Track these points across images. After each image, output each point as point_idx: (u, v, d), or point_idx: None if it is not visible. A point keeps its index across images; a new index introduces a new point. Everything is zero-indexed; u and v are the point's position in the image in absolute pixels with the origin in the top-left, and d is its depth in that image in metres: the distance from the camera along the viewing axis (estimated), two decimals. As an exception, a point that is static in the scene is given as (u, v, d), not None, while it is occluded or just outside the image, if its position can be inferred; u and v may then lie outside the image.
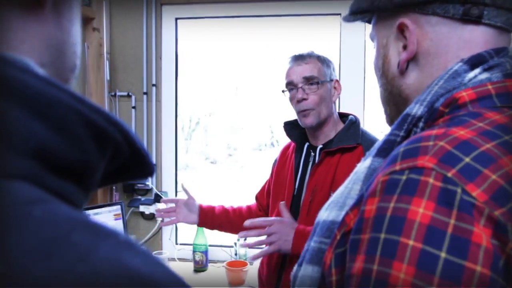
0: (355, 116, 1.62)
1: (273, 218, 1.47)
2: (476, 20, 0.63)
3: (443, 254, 0.46)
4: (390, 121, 0.77)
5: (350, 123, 1.58)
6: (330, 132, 1.59)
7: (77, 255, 0.25)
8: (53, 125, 0.30)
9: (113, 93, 2.38)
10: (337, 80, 1.61)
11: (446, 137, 0.53)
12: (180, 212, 1.77)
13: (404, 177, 0.51)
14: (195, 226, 2.18)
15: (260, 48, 2.73)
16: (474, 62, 0.62)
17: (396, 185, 0.51)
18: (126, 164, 0.38)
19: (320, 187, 1.50)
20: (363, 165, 0.67)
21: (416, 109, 0.63)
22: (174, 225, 2.45)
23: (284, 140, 1.77)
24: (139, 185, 2.37)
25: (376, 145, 0.67)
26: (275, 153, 1.81)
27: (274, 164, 1.75)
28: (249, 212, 1.79)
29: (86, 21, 2.28)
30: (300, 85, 1.55)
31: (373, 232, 0.51)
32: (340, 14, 2.22)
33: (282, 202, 1.50)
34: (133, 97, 2.37)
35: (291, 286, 0.71)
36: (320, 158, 1.52)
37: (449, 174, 0.49)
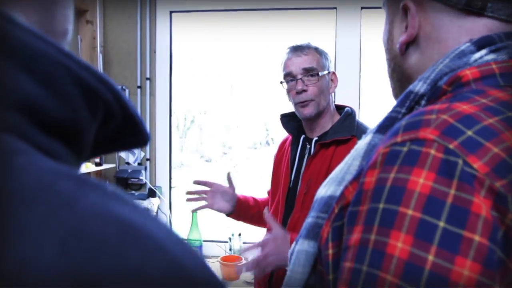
0: (351, 108, 1.62)
1: (266, 237, 1.42)
2: (478, 12, 0.62)
3: (441, 224, 0.46)
4: (395, 96, 0.78)
5: (346, 115, 1.57)
6: (326, 124, 1.58)
7: (62, 201, 0.24)
8: (40, 80, 0.29)
9: (106, 87, 2.36)
10: (334, 72, 1.61)
11: (449, 111, 0.53)
12: (215, 198, 1.68)
13: (405, 149, 0.51)
14: (189, 221, 2.17)
15: (255, 44, 2.72)
16: (482, 43, 0.61)
17: (397, 157, 0.51)
18: (120, 132, 0.36)
19: (315, 179, 1.49)
20: (363, 142, 0.67)
21: (419, 86, 0.63)
22: (169, 220, 2.43)
23: (279, 138, 1.77)
24: (133, 179, 2.35)
25: (378, 122, 0.67)
26: (270, 152, 1.80)
27: (274, 157, 1.74)
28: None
29: (80, 14, 2.26)
30: (299, 76, 1.53)
31: (372, 203, 0.51)
32: (335, 8, 2.21)
33: (265, 211, 1.45)
34: (127, 91, 2.35)
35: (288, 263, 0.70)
36: (315, 150, 1.52)
37: (451, 146, 0.49)
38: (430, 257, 0.45)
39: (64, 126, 0.30)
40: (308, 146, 1.59)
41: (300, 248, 0.67)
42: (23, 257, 0.21)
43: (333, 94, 1.64)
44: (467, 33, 0.63)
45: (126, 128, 0.37)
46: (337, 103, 1.65)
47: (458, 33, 0.64)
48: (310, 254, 0.65)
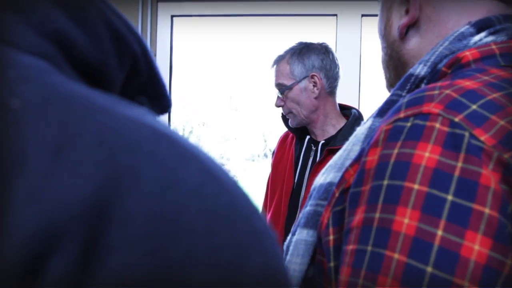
0: (358, 111, 1.58)
1: None
2: None
3: (450, 197, 0.44)
4: (389, 86, 0.77)
5: (354, 119, 1.53)
6: (327, 127, 1.55)
7: (98, 108, 0.24)
8: (73, 17, 0.29)
9: (105, 89, 2.36)
10: (313, 75, 1.52)
11: (452, 87, 0.52)
12: None
13: (409, 124, 0.49)
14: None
15: (255, 51, 2.73)
16: (481, 25, 0.61)
17: (400, 132, 0.49)
18: (144, 93, 0.36)
19: None
20: (363, 127, 0.66)
21: (419, 69, 0.62)
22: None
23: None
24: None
25: (378, 107, 0.66)
26: (268, 164, 1.77)
27: (272, 155, 1.71)
28: None
29: (81, 16, 2.26)
30: (277, 91, 1.56)
31: (375, 181, 0.49)
32: (336, 15, 2.22)
33: None
34: (126, 94, 2.35)
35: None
36: (322, 155, 1.49)
37: (456, 119, 0.48)
38: (439, 232, 0.44)
39: (93, 67, 0.30)
40: (313, 148, 1.55)
41: (299, 238, 0.64)
42: (59, 142, 0.21)
43: (334, 94, 1.59)
44: (468, 15, 0.63)
45: (151, 90, 0.36)
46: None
47: (459, 15, 0.64)
48: (310, 244, 0.62)
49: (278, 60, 1.55)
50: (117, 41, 0.31)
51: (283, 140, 1.67)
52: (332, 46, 2.28)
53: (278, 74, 1.53)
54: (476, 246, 0.43)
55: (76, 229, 0.19)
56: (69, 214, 0.19)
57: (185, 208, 0.21)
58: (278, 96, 1.54)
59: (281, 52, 1.56)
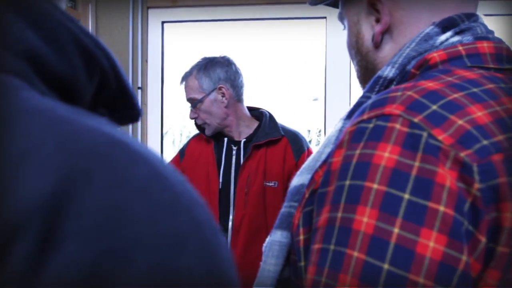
0: (266, 110, 1.72)
1: None
2: None
3: (406, 196, 0.46)
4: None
5: (268, 116, 1.68)
6: (242, 128, 1.68)
7: (60, 120, 0.27)
8: (44, 36, 0.31)
9: (98, 96, 2.36)
10: (221, 86, 1.64)
11: (415, 88, 0.53)
12: None
13: (371, 125, 0.51)
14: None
15: (246, 55, 2.74)
16: (445, 25, 0.62)
17: (363, 133, 0.51)
18: (114, 105, 0.39)
19: (254, 179, 1.59)
20: (334, 129, 0.66)
21: (387, 71, 0.63)
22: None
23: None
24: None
25: (349, 109, 0.67)
26: None
27: (181, 156, 1.76)
28: None
29: (72, 23, 2.27)
30: (190, 105, 1.67)
31: (338, 181, 0.50)
32: (325, 17, 2.23)
33: None
34: (118, 100, 2.35)
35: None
36: (248, 151, 1.61)
37: (416, 120, 0.49)
38: (396, 230, 0.45)
39: (64, 81, 0.33)
40: (234, 148, 1.66)
41: (273, 239, 0.65)
42: (25, 150, 0.24)
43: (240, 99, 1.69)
44: (437, 10, 0.64)
45: (120, 101, 0.39)
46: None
47: (430, 12, 0.64)
48: (284, 245, 0.63)
49: (186, 77, 1.67)
50: (86, 57, 0.34)
51: (196, 142, 1.76)
52: (322, 48, 2.30)
53: (188, 89, 1.66)
54: (431, 243, 0.44)
55: (35, 221, 0.23)
56: (29, 208, 0.23)
57: (131, 203, 0.24)
58: (191, 109, 1.67)
59: (188, 69, 1.69)
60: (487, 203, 0.46)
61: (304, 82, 2.97)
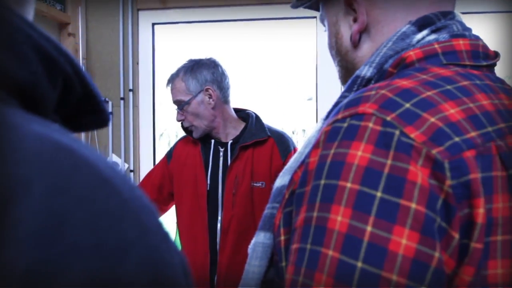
0: (252, 111, 1.73)
1: None
2: None
3: (379, 194, 0.46)
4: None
5: (254, 117, 1.68)
6: (229, 130, 1.68)
7: (6, 126, 0.26)
8: (1, 42, 0.31)
9: (89, 99, 2.36)
10: (207, 88, 1.63)
11: (389, 87, 0.53)
12: None
13: (345, 124, 0.51)
14: (174, 230, 2.15)
15: (237, 55, 2.73)
16: (421, 23, 0.62)
17: (337, 133, 0.51)
18: (81, 110, 0.38)
19: (241, 180, 1.59)
20: (314, 129, 0.67)
21: (365, 70, 0.63)
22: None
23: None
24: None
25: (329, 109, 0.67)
26: None
27: (168, 159, 1.76)
28: None
29: (61, 26, 2.27)
30: (176, 108, 1.66)
31: (314, 181, 0.50)
32: (315, 17, 2.23)
33: None
34: (110, 103, 2.35)
35: None
36: (236, 152, 1.60)
37: (388, 118, 0.49)
38: (369, 228, 0.45)
39: (24, 88, 0.32)
40: (221, 149, 1.66)
41: (257, 240, 0.65)
42: None
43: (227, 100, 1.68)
44: (413, 8, 0.64)
45: (87, 106, 0.38)
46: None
47: (406, 10, 0.64)
48: (267, 246, 0.64)
49: (173, 79, 1.67)
50: (47, 63, 0.33)
51: (184, 144, 1.75)
52: (313, 47, 2.30)
53: (175, 91, 1.65)
54: (403, 240, 0.44)
55: None
56: None
57: (72, 210, 0.24)
58: (178, 111, 1.66)
59: (174, 71, 1.68)
60: (459, 199, 0.47)
61: (298, 82, 2.97)
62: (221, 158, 1.65)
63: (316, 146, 0.53)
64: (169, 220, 2.16)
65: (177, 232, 2.15)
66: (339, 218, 0.46)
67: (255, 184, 1.59)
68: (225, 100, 1.68)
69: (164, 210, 1.83)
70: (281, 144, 1.63)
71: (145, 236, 0.26)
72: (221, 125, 1.66)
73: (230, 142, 1.66)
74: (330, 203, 0.47)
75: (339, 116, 0.52)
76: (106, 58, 2.36)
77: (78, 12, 2.28)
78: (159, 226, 0.27)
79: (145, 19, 2.37)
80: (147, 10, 2.36)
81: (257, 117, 1.70)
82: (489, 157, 0.49)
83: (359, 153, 0.48)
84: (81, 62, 2.30)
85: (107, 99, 2.35)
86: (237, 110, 1.75)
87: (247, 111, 1.74)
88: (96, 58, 2.37)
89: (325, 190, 0.48)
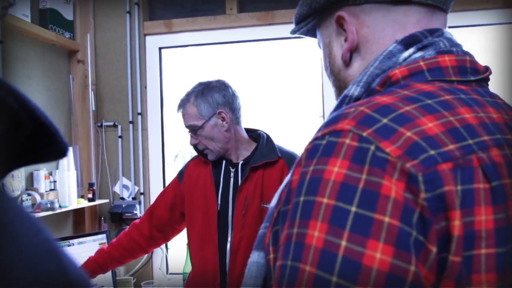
0: (263, 132, 1.72)
1: None
2: (406, 1, 0.64)
3: (353, 208, 0.46)
4: None
5: (265, 138, 1.67)
6: (241, 151, 1.67)
7: None
8: None
9: (99, 124, 2.40)
10: (220, 111, 1.62)
11: (368, 103, 0.54)
12: None
13: (324, 142, 0.52)
14: (185, 254, 2.15)
15: (245, 73, 2.76)
16: (407, 42, 0.63)
17: (317, 150, 0.52)
18: (36, 143, 0.36)
19: (251, 201, 1.57)
20: (305, 148, 0.67)
21: (353, 90, 0.64)
22: (165, 254, 2.41)
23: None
24: (127, 214, 2.35)
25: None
26: None
27: (180, 179, 1.76)
28: (132, 239, 1.80)
29: (71, 54, 2.33)
30: (189, 132, 1.66)
31: (295, 198, 0.51)
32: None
33: None
34: (119, 127, 2.39)
35: None
36: (247, 173, 1.59)
37: (364, 134, 0.50)
38: (343, 243, 0.45)
39: None
40: (232, 170, 1.65)
41: (251, 260, 0.65)
42: None
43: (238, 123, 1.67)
44: (400, 26, 0.65)
45: (42, 139, 0.36)
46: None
47: (393, 28, 0.65)
48: (261, 265, 0.63)
49: (184, 104, 1.65)
50: None
51: (195, 165, 1.74)
52: (318, 64, 2.30)
53: (187, 117, 1.64)
54: (377, 254, 0.44)
55: None
56: None
57: None
58: (191, 136, 1.65)
59: (184, 96, 1.67)
60: (434, 212, 0.46)
61: (309, 100, 2.97)
62: (232, 179, 1.64)
63: (298, 164, 0.54)
64: (181, 241, 2.16)
65: (188, 252, 2.15)
66: (316, 233, 0.47)
67: (265, 205, 1.57)
68: (237, 121, 1.67)
69: (178, 230, 1.83)
70: (292, 164, 1.61)
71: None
72: (234, 147, 1.66)
73: (241, 162, 1.65)
74: (308, 219, 0.48)
75: (319, 134, 0.53)
76: (115, 83, 2.41)
77: (87, 39, 2.34)
78: (61, 270, 0.29)
79: (152, 43, 2.42)
80: (153, 35, 2.41)
81: (268, 137, 1.68)
82: (470, 169, 0.49)
83: (336, 169, 0.48)
84: (90, 87, 2.35)
85: (116, 123, 2.39)
86: (248, 131, 1.73)
87: (259, 131, 1.73)
88: (105, 83, 2.42)
89: (304, 206, 0.49)
